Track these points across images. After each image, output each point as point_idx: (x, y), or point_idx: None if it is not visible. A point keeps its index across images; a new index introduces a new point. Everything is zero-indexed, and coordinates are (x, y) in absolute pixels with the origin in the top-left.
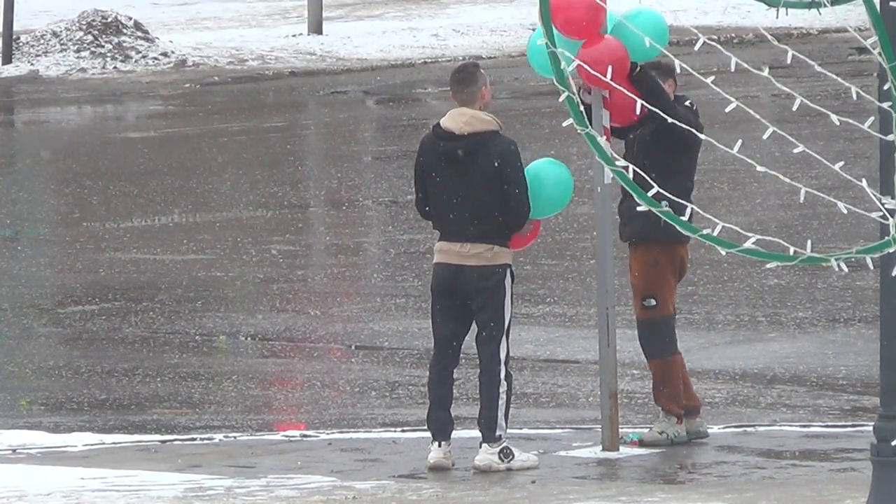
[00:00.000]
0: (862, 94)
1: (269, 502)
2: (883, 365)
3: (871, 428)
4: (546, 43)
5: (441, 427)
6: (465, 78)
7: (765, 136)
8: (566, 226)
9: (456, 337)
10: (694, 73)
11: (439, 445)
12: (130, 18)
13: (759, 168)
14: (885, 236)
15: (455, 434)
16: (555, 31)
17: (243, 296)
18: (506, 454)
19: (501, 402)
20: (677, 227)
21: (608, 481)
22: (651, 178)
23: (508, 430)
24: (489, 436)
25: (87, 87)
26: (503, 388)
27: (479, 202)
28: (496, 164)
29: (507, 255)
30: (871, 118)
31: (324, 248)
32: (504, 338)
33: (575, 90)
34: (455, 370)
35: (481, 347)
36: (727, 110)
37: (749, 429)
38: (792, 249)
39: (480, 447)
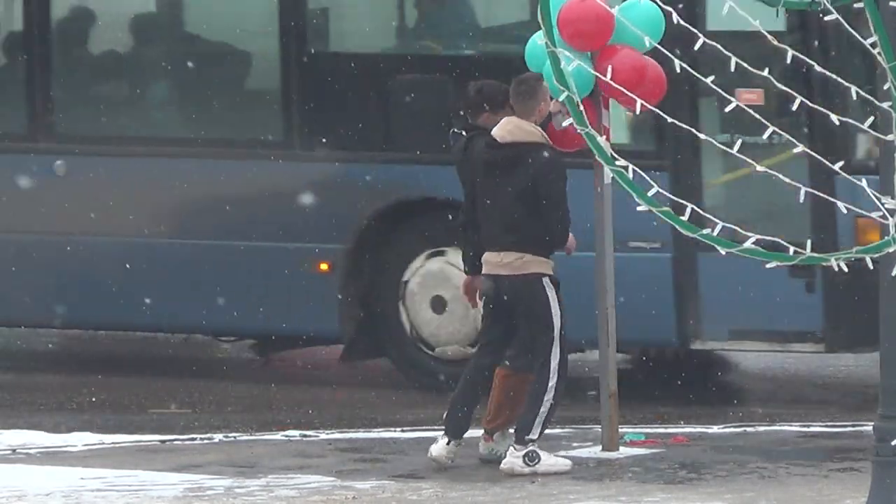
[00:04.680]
0: (862, 93)
1: (269, 502)
2: (883, 365)
3: (871, 428)
4: (546, 42)
5: (456, 425)
6: (524, 91)
7: (765, 136)
8: None
9: (498, 341)
10: (694, 72)
11: (448, 443)
12: None
13: (758, 168)
14: (885, 236)
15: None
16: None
17: None
18: (531, 458)
19: (543, 409)
20: (677, 227)
21: (608, 481)
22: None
23: None
24: (519, 437)
25: None
26: (549, 395)
27: (512, 212)
28: (533, 177)
29: (541, 265)
30: (871, 118)
31: None
32: (555, 346)
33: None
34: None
35: (533, 357)
36: (727, 110)
37: (749, 429)
38: (792, 249)
39: (508, 449)
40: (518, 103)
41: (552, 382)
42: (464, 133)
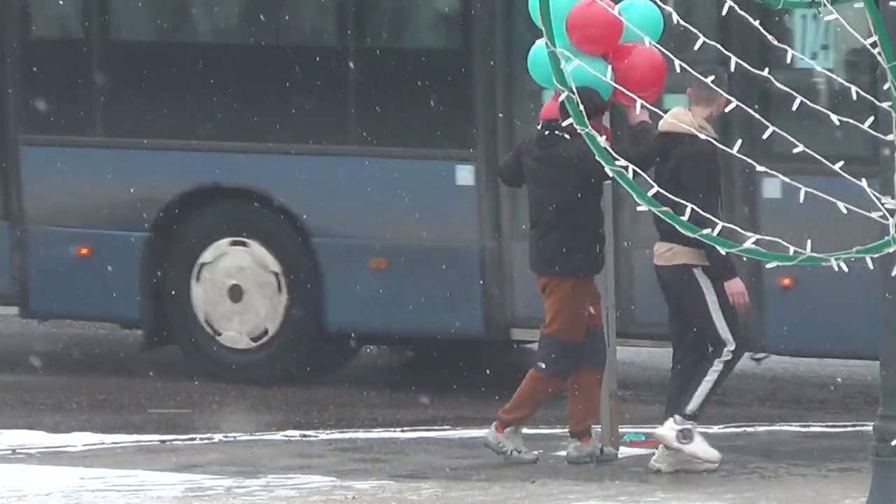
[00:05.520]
0: (862, 93)
1: (269, 502)
2: (883, 365)
3: (871, 428)
4: (546, 43)
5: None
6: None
7: (764, 136)
8: None
9: (679, 334)
10: (694, 72)
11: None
12: None
13: (758, 168)
14: (885, 236)
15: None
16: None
17: None
18: (685, 435)
19: (705, 386)
20: (677, 227)
21: (608, 481)
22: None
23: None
24: (680, 409)
25: None
26: (712, 376)
27: (663, 202)
28: (676, 167)
29: (690, 255)
30: (871, 118)
31: None
32: (722, 333)
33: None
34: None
35: (698, 343)
36: (727, 110)
37: (749, 429)
38: (792, 249)
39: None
40: (697, 91)
41: (718, 366)
42: (567, 136)
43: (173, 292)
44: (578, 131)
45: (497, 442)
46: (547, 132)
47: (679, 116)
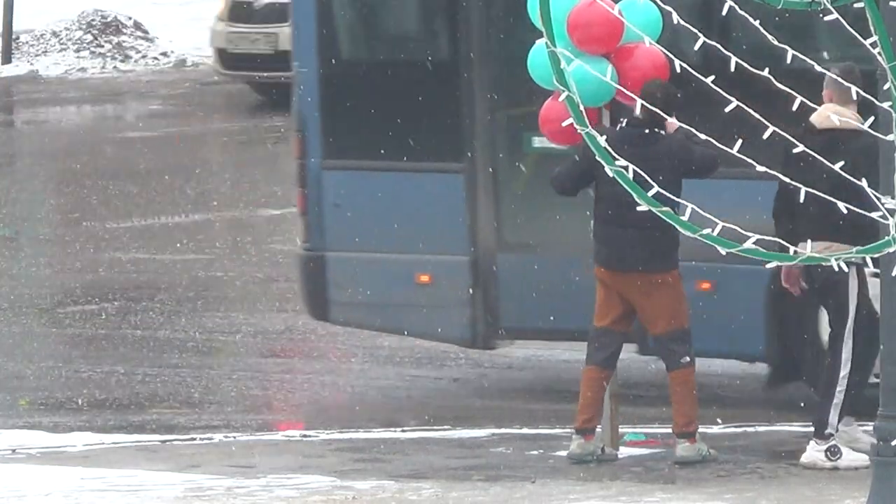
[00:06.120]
0: (862, 93)
1: (269, 502)
2: (883, 365)
3: (871, 428)
4: (546, 42)
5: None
6: (845, 77)
7: (765, 136)
8: None
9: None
10: (694, 72)
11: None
12: (130, 18)
13: (758, 168)
14: (885, 236)
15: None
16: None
17: (243, 296)
18: (833, 452)
19: (836, 400)
20: (677, 227)
21: (608, 481)
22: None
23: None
24: (818, 432)
25: (86, 87)
26: (842, 386)
27: (821, 200)
28: (856, 162)
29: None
30: (871, 118)
31: None
32: (847, 336)
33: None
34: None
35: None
36: (727, 110)
37: (749, 429)
38: (792, 249)
39: (808, 443)
40: (838, 89)
41: (843, 372)
42: (662, 132)
43: (800, 326)
44: (579, 131)
45: (698, 450)
46: (647, 130)
47: (842, 114)
